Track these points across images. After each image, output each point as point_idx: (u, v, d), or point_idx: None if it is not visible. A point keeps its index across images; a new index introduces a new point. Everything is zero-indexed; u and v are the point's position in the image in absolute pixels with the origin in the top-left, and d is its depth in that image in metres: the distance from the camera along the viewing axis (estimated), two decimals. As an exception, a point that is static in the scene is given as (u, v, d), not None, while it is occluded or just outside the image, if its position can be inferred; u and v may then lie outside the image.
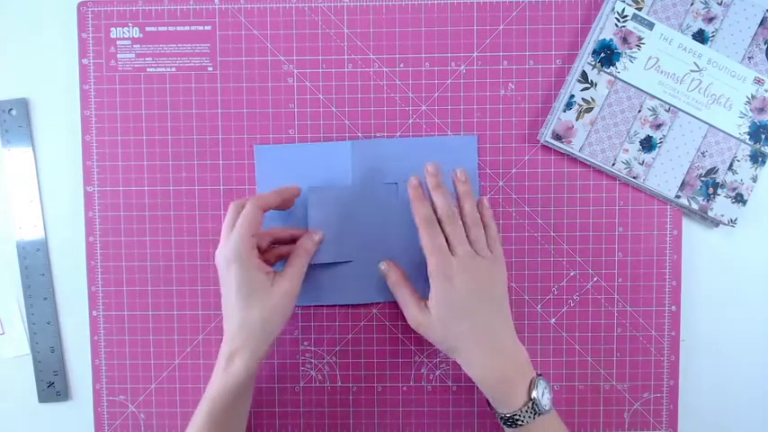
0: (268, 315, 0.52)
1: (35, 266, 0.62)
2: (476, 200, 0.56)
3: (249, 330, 0.52)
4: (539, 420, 0.51)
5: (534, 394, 0.51)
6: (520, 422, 0.51)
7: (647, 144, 0.59)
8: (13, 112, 0.61)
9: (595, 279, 0.61)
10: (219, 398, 0.52)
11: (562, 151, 0.60)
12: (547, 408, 0.52)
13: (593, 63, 0.59)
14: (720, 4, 0.59)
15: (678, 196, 0.60)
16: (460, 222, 0.54)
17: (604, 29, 0.58)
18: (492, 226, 0.56)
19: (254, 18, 0.60)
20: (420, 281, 0.59)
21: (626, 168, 0.59)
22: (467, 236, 0.54)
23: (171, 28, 0.61)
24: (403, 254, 0.60)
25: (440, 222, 0.54)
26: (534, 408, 0.51)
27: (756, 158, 0.59)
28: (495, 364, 0.52)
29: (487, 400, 0.55)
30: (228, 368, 0.52)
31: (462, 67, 0.60)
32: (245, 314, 0.52)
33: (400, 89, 0.60)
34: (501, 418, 0.53)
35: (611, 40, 0.58)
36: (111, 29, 0.61)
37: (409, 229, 0.60)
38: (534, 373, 0.53)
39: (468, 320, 0.52)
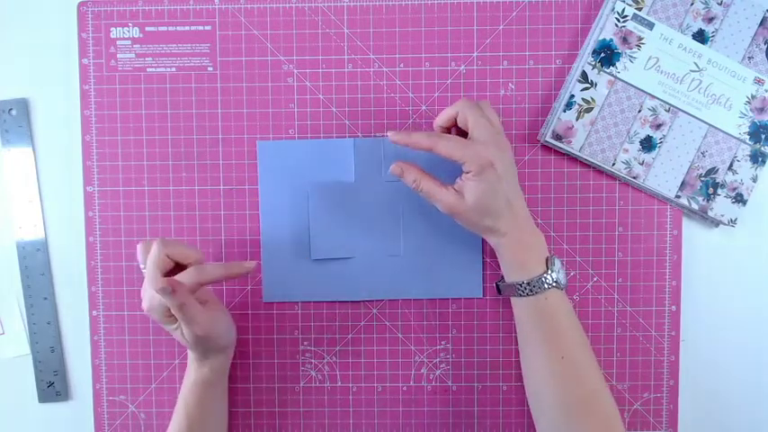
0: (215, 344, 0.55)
1: (35, 266, 0.62)
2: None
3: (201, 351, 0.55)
4: (551, 292, 0.53)
5: (550, 269, 0.53)
6: (537, 289, 0.53)
7: (647, 144, 0.59)
8: (13, 112, 0.61)
9: (595, 279, 0.61)
10: (191, 390, 0.56)
11: (562, 151, 0.60)
12: (562, 284, 0.54)
13: (593, 63, 0.59)
14: (720, 4, 0.59)
15: (678, 196, 0.60)
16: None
17: (604, 29, 0.58)
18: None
19: (254, 18, 0.60)
20: (424, 275, 0.60)
21: (626, 168, 0.59)
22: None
23: (171, 28, 0.61)
24: (405, 251, 0.60)
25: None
26: (549, 278, 0.53)
27: (756, 158, 0.59)
28: (520, 233, 0.54)
29: (497, 284, 0.57)
30: (200, 369, 0.56)
31: (462, 67, 0.60)
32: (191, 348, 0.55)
33: (400, 89, 0.60)
34: (518, 285, 0.54)
35: (611, 40, 0.58)
36: (111, 29, 0.61)
37: (412, 227, 0.60)
38: (548, 251, 0.55)
39: (502, 198, 0.53)
